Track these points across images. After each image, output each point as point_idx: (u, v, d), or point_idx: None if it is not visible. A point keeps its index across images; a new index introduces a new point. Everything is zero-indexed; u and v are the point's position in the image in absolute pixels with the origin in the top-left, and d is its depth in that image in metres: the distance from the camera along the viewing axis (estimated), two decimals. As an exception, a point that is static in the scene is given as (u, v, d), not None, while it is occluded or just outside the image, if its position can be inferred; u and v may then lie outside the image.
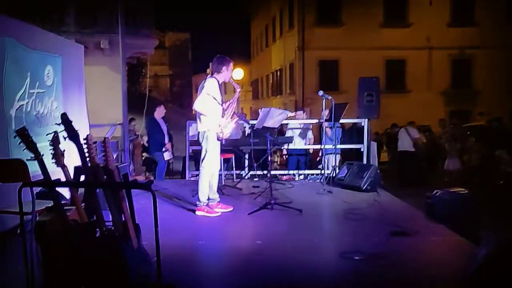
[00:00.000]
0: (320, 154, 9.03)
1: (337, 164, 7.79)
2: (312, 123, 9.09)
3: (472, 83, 22.15)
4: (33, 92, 5.21)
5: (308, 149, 9.03)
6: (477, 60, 21.85)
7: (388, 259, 3.91)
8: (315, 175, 8.41)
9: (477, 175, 10.74)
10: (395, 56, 21.78)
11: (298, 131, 8.89)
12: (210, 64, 5.59)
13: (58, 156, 3.04)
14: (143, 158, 10.80)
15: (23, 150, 2.99)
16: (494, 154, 10.28)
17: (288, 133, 8.94)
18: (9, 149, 4.53)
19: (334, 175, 7.54)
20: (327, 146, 7.79)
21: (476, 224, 4.60)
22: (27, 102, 5.07)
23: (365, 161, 8.04)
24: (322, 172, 7.91)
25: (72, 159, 3.22)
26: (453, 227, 4.63)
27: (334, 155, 7.87)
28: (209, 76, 5.51)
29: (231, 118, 5.50)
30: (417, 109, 19.83)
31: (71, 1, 13.35)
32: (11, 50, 4.78)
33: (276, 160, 11.90)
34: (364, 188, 6.81)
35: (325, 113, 7.52)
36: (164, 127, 8.90)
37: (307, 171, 8.61)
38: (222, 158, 6.77)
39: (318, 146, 8.85)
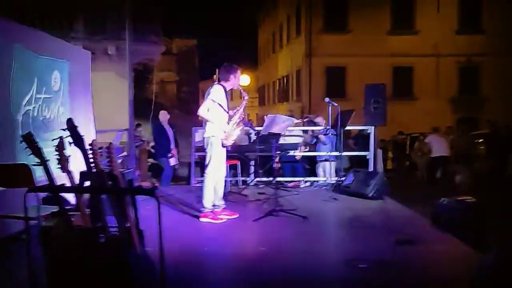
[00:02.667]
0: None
1: (332, 171, 7.74)
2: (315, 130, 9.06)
3: (479, 91, 22.05)
4: (40, 97, 5.24)
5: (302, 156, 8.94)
6: (485, 68, 21.76)
7: (393, 267, 3.88)
8: (320, 182, 8.39)
9: (486, 182, 10.66)
10: (403, 63, 21.73)
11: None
12: (217, 70, 5.61)
13: (63, 162, 3.05)
14: (149, 164, 10.82)
15: (29, 155, 3.00)
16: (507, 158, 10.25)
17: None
18: (15, 154, 4.55)
19: (340, 182, 7.51)
20: (327, 153, 7.78)
21: (482, 232, 4.55)
22: (34, 107, 5.10)
23: (371, 169, 8.01)
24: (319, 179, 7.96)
25: (78, 164, 3.23)
26: (459, 235, 4.59)
27: (329, 163, 7.85)
28: (216, 83, 5.53)
29: (237, 125, 5.51)
30: (424, 117, 19.75)
31: (80, 7, 13.46)
32: (18, 55, 4.81)
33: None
34: (370, 195, 6.78)
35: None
36: (170, 133, 8.92)
37: (312, 178, 8.58)
38: (228, 165, 6.77)
39: (316, 153, 8.80)
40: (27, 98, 4.97)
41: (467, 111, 21.16)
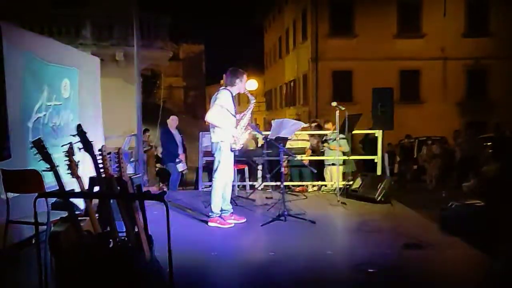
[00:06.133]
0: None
1: (339, 175, 7.72)
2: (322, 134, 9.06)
3: (487, 94, 21.90)
4: (50, 105, 5.29)
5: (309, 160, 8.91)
6: (493, 71, 21.61)
7: (402, 272, 3.87)
8: (328, 186, 8.38)
9: (494, 186, 10.57)
10: (409, 66, 21.65)
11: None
12: (224, 76, 5.62)
13: (73, 167, 3.08)
14: (157, 169, 10.86)
15: (39, 161, 3.04)
16: None
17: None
18: (27, 161, 4.58)
19: (348, 186, 7.50)
20: (334, 158, 7.76)
21: (491, 237, 4.53)
22: (44, 114, 5.15)
23: (379, 173, 7.99)
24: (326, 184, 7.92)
25: (88, 169, 3.26)
26: (468, 239, 4.57)
27: (336, 167, 7.83)
28: (222, 88, 5.55)
29: (245, 129, 5.52)
30: (432, 120, 19.69)
31: (87, 14, 13.58)
32: (28, 64, 4.86)
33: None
34: (378, 199, 6.76)
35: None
36: (178, 138, 8.95)
37: (320, 182, 8.57)
38: (235, 169, 6.78)
39: (323, 157, 8.79)
40: (37, 106, 5.02)
41: (475, 115, 21.01)
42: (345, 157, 8.13)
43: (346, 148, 7.99)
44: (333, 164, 8.32)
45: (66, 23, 13.21)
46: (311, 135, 9.01)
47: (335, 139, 7.92)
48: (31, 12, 12.21)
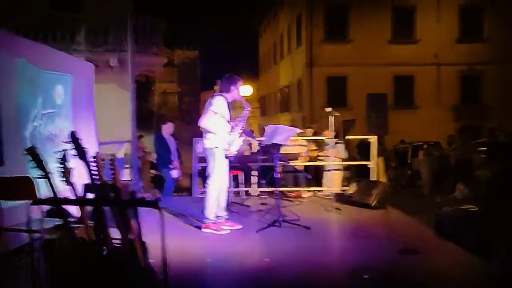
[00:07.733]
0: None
1: (338, 181, 7.75)
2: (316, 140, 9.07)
3: (481, 99, 22.03)
4: (45, 113, 5.26)
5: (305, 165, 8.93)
6: (486, 76, 21.77)
7: (397, 277, 3.87)
8: (323, 192, 8.38)
9: (488, 190, 10.60)
10: (403, 72, 21.75)
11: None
12: (219, 82, 5.63)
13: (67, 174, 3.06)
14: (152, 175, 10.82)
15: (32, 167, 3.02)
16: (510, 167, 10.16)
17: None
18: (27, 170, 4.54)
19: (342, 192, 7.51)
20: (331, 163, 7.78)
21: (486, 241, 4.54)
22: (40, 124, 5.12)
23: (373, 178, 8.00)
24: (323, 189, 7.92)
25: (82, 176, 3.24)
26: (463, 244, 4.58)
27: (332, 172, 7.85)
28: (216, 94, 5.55)
29: (239, 135, 5.52)
30: (426, 125, 19.77)
31: (82, 19, 13.54)
32: (23, 71, 4.83)
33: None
34: (372, 205, 6.77)
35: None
36: (172, 144, 8.92)
37: (314, 188, 8.57)
38: (230, 175, 6.77)
39: (319, 163, 8.80)
40: (34, 114, 4.99)
41: (469, 120, 21.13)
42: (340, 163, 8.15)
43: (344, 154, 8.02)
44: (328, 170, 8.34)
45: (61, 28, 13.15)
46: (307, 141, 9.03)
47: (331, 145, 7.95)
48: (30, 9, 12.10)
